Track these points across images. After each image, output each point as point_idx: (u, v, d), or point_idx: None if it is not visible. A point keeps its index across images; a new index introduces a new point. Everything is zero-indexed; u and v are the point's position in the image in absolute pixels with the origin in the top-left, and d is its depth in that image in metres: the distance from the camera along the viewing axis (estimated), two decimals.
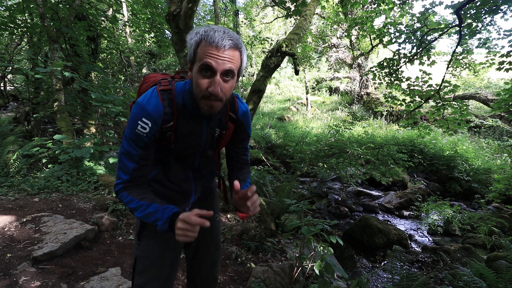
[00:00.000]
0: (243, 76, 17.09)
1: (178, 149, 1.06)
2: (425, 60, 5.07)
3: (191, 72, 0.93)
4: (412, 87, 4.79)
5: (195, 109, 0.97)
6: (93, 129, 6.04)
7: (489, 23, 4.80)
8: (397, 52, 5.14)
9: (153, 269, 1.11)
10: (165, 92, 0.98)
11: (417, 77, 4.75)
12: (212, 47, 0.84)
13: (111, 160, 4.35)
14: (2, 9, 6.02)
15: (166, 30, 7.53)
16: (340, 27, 12.57)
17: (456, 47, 4.61)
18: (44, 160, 4.31)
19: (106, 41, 8.79)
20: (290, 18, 3.88)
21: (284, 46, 4.25)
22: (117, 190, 1.00)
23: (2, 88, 8.34)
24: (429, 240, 4.45)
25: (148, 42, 12.69)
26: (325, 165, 6.33)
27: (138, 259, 1.12)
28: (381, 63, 5.24)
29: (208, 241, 1.31)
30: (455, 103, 4.50)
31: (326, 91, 17.03)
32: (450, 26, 4.59)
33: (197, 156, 1.13)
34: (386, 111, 12.17)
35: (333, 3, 9.90)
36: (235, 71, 0.89)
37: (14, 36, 7.89)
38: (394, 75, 5.20)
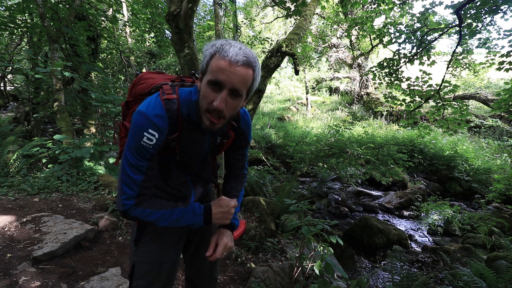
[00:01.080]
0: None
1: (181, 158, 1.05)
2: (425, 60, 5.07)
3: (200, 82, 0.90)
4: (412, 87, 4.79)
5: (199, 120, 0.95)
6: (93, 129, 6.04)
7: (489, 23, 4.80)
8: (397, 52, 5.13)
9: (152, 275, 1.08)
10: (170, 101, 0.93)
11: (417, 77, 4.75)
12: (225, 62, 0.81)
13: (111, 160, 4.35)
14: (2, 9, 6.02)
15: (166, 30, 7.53)
16: (340, 27, 12.57)
17: (456, 47, 4.61)
18: (44, 160, 4.31)
19: (106, 41, 8.80)
20: (290, 18, 3.88)
21: (284, 46, 4.25)
22: (128, 209, 0.93)
23: (2, 88, 8.33)
24: (429, 240, 4.45)
25: (148, 42, 12.70)
26: (325, 165, 6.33)
27: (136, 265, 1.09)
28: (381, 63, 5.24)
29: (207, 241, 1.29)
30: (455, 103, 4.50)
31: (326, 91, 17.04)
32: (450, 26, 4.59)
33: (198, 163, 1.12)
34: (386, 111, 12.17)
35: (333, 3, 9.90)
36: (243, 91, 0.86)
37: (14, 36, 7.89)
38: (394, 75, 5.19)
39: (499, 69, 4.54)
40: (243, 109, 1.12)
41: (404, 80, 5.08)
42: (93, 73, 7.89)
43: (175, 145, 0.99)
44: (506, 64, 4.40)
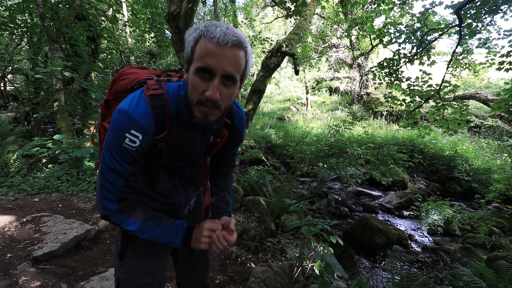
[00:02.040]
0: None
1: (169, 161, 0.95)
2: (425, 60, 5.07)
3: (187, 74, 0.81)
4: (412, 87, 4.80)
5: (191, 117, 0.85)
6: (93, 129, 6.04)
7: (489, 23, 4.80)
8: (397, 52, 5.14)
9: None
10: (155, 97, 0.83)
11: (417, 77, 4.75)
12: (212, 44, 0.72)
13: None
14: (2, 9, 6.02)
15: (166, 30, 7.54)
16: (340, 27, 12.57)
17: (456, 47, 4.61)
18: (44, 160, 4.31)
19: (106, 41, 8.80)
20: (290, 18, 3.88)
21: (284, 46, 4.25)
22: (109, 214, 0.85)
23: (2, 88, 8.34)
24: (429, 240, 4.45)
25: (148, 42, 12.70)
26: (325, 165, 6.33)
27: (121, 281, 0.99)
28: (381, 63, 5.24)
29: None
30: (455, 103, 4.50)
31: (326, 91, 17.04)
32: (450, 26, 4.59)
33: (189, 165, 1.02)
34: (386, 111, 12.17)
35: (333, 3, 9.90)
36: (237, 76, 0.77)
37: (14, 36, 7.89)
38: (394, 75, 5.20)
39: (499, 69, 4.54)
40: (237, 104, 1.04)
41: (404, 80, 5.09)
42: (93, 73, 7.89)
43: (162, 146, 0.89)
44: (506, 64, 4.40)
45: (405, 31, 4.97)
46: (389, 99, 5.10)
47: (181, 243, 0.90)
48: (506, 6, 3.90)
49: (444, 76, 4.51)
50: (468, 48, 5.81)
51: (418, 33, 4.88)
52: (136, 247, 1.00)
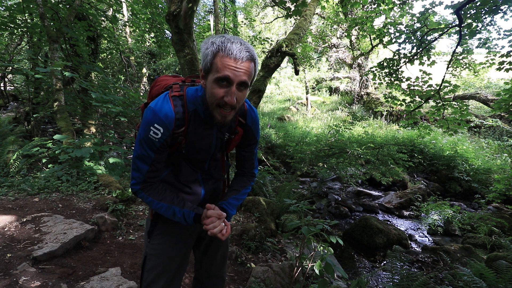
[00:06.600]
0: None
1: (188, 153, 1.10)
2: (425, 60, 5.07)
3: (204, 80, 0.95)
4: (412, 87, 4.79)
5: (207, 116, 1.01)
6: (93, 129, 6.04)
7: (489, 23, 4.80)
8: (397, 52, 5.13)
9: (162, 266, 1.14)
10: (177, 98, 1.01)
11: (417, 77, 4.75)
12: (230, 59, 0.87)
13: (111, 160, 4.35)
14: (2, 9, 6.02)
15: (166, 30, 7.53)
16: (340, 27, 12.57)
17: (456, 47, 4.61)
18: (44, 160, 4.31)
19: (106, 41, 8.79)
20: (290, 18, 3.88)
21: (284, 46, 4.26)
22: (135, 191, 1.06)
23: (2, 88, 8.34)
24: (429, 240, 4.45)
25: (148, 42, 12.68)
26: (325, 165, 6.33)
27: (147, 256, 1.15)
28: (381, 63, 5.24)
29: (217, 240, 1.33)
30: (455, 103, 4.50)
31: (326, 91, 17.03)
32: (450, 26, 4.59)
33: (207, 159, 1.17)
34: (386, 111, 12.17)
35: (333, 3, 9.90)
36: (249, 81, 0.93)
37: (14, 36, 7.89)
38: (394, 75, 5.19)
39: (499, 69, 4.54)
40: (250, 106, 1.18)
41: (404, 80, 5.08)
42: (93, 73, 7.88)
43: (182, 139, 1.05)
44: (506, 64, 4.40)
45: (405, 31, 4.97)
46: (389, 99, 5.10)
47: (192, 223, 1.06)
48: (506, 6, 3.90)
49: (444, 76, 4.51)
50: (468, 48, 5.80)
51: (418, 33, 4.87)
52: (163, 228, 1.17)
